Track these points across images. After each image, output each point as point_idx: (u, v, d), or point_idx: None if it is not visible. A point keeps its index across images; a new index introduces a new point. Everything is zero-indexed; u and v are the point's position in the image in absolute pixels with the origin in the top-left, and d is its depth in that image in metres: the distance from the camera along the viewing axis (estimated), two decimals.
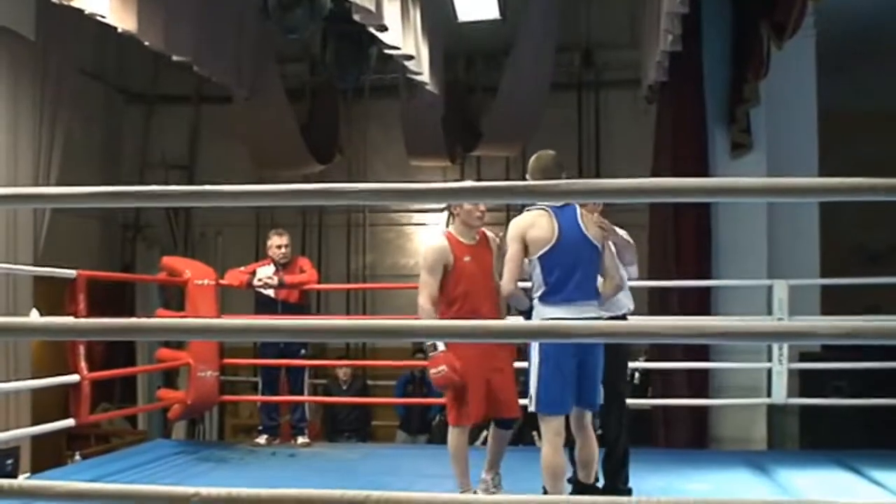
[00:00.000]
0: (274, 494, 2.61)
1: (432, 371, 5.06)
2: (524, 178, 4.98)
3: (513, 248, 4.76)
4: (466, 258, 5.17)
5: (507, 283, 4.79)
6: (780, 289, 7.52)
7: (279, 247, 7.74)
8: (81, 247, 10.54)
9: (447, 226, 5.35)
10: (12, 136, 7.76)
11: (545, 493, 4.66)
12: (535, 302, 4.76)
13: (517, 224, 4.82)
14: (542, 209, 4.79)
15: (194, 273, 7.59)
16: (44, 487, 2.92)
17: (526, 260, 4.80)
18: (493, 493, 5.12)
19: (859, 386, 7.79)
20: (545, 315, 4.72)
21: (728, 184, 2.96)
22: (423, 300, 5.12)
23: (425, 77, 7.98)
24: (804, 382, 7.97)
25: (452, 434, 5.15)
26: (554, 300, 4.71)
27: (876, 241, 11.02)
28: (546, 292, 4.73)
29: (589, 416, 4.83)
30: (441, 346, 5.02)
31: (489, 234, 5.38)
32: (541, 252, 4.73)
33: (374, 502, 2.47)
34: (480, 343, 5.01)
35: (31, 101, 7.97)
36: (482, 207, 5.21)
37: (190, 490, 2.59)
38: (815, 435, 8.01)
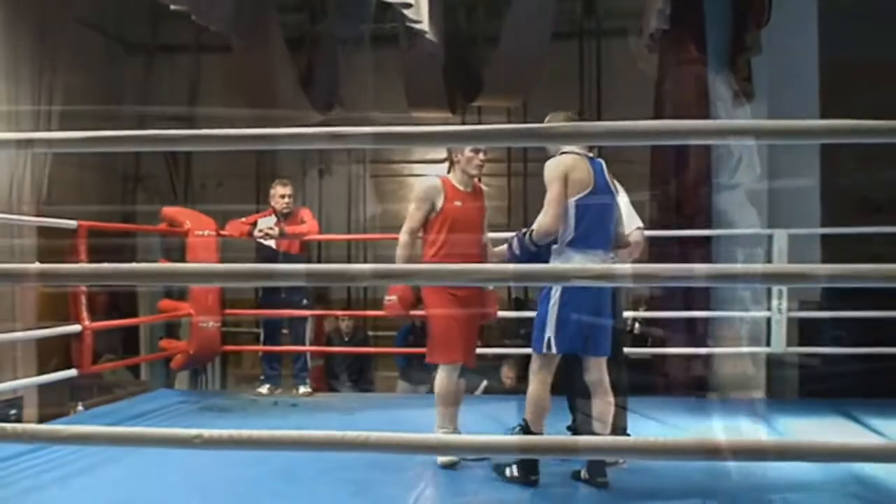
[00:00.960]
0: (274, 435, 2.64)
1: (385, 298, 5.13)
2: None
3: (557, 187, 4.57)
4: (456, 202, 5.13)
5: (553, 222, 4.57)
6: (781, 238, 7.50)
7: (283, 196, 7.73)
8: (82, 198, 10.53)
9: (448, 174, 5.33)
10: (13, 87, 7.73)
11: (526, 425, 4.65)
12: (562, 247, 4.65)
13: (558, 164, 4.64)
14: (578, 154, 4.68)
15: (195, 224, 7.60)
16: (50, 432, 2.95)
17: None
18: None
19: (858, 335, 7.82)
20: (572, 262, 4.57)
21: (729, 126, 2.95)
22: (403, 231, 5.15)
23: (425, 26, 7.90)
24: (803, 331, 8.00)
25: (438, 375, 5.15)
26: (581, 247, 4.61)
27: (878, 191, 10.98)
28: (574, 238, 4.62)
29: (605, 366, 4.79)
30: None
31: (483, 187, 5.36)
32: (578, 196, 4.61)
33: (373, 443, 2.49)
34: (460, 291, 5.06)
35: (30, 52, 7.92)
36: (482, 156, 5.17)
37: (192, 432, 2.61)
38: (814, 384, 8.05)
